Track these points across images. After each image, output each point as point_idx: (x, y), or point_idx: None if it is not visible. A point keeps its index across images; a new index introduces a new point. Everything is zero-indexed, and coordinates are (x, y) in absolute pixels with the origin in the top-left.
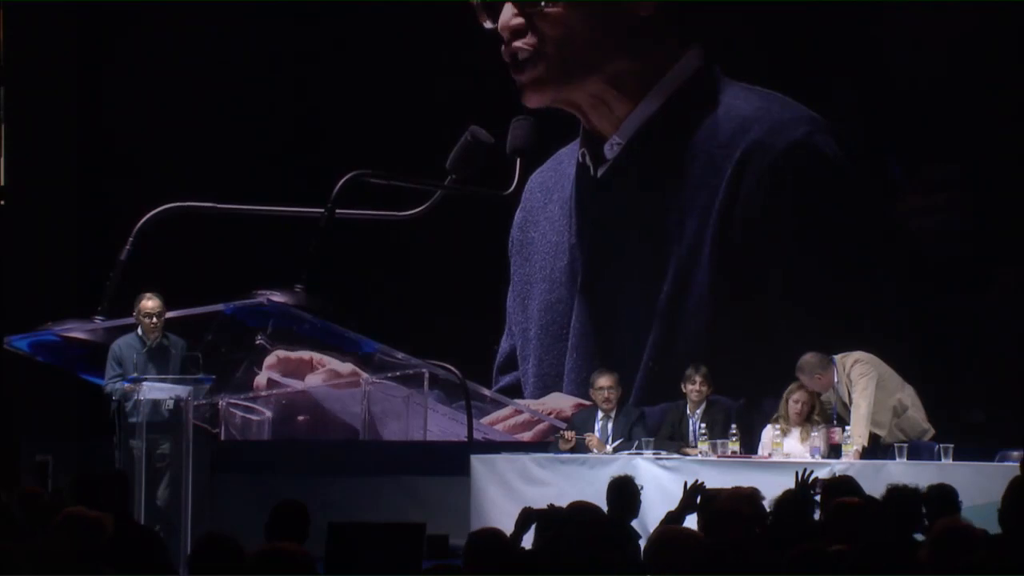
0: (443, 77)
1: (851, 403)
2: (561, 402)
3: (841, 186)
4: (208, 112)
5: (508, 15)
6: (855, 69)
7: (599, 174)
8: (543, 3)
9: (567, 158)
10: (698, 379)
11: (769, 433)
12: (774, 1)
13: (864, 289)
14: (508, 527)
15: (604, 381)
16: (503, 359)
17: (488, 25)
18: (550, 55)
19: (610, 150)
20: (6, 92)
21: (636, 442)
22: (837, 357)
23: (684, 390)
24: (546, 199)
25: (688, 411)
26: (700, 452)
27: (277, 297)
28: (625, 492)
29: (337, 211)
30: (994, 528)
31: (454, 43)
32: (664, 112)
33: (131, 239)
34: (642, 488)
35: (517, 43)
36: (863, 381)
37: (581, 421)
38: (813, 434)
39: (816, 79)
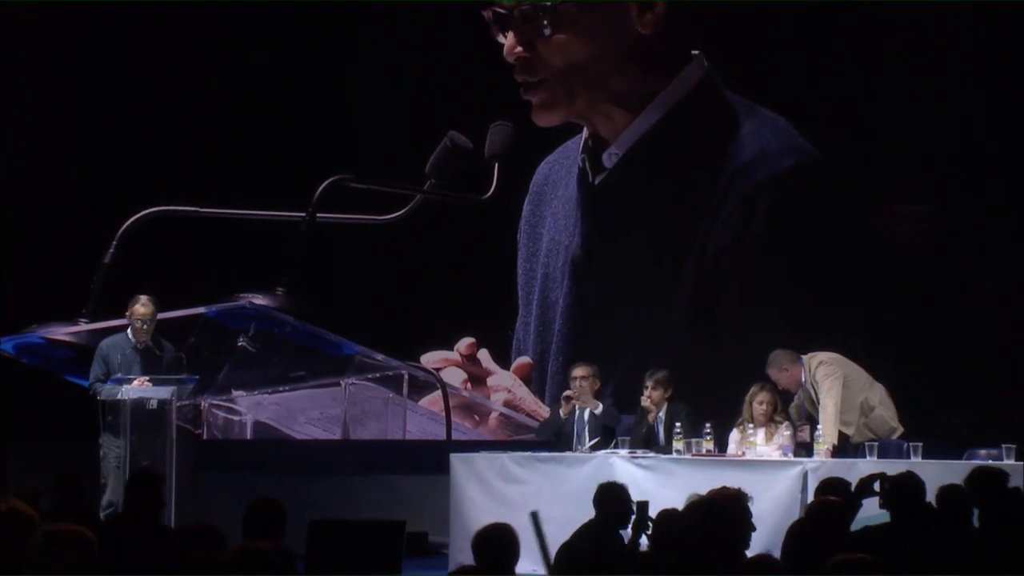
0: (424, 83)
1: (819, 403)
2: (507, 380)
3: (814, 216)
4: (193, 117)
5: (511, 43)
6: (841, 79)
7: (596, 182)
8: (545, 31)
9: (573, 152)
10: (648, 384)
11: (736, 436)
12: (763, 12)
13: (841, 301)
14: (486, 524)
15: (577, 371)
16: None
17: (501, 39)
18: (555, 81)
19: (608, 160)
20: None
21: (614, 441)
22: (805, 357)
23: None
24: (552, 194)
25: (648, 418)
26: (675, 451)
27: (259, 300)
28: (611, 499)
29: (318, 215)
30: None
31: (434, 50)
32: (662, 126)
33: (115, 242)
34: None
35: (522, 75)
36: (828, 382)
37: (563, 412)
38: (779, 433)
39: (803, 90)
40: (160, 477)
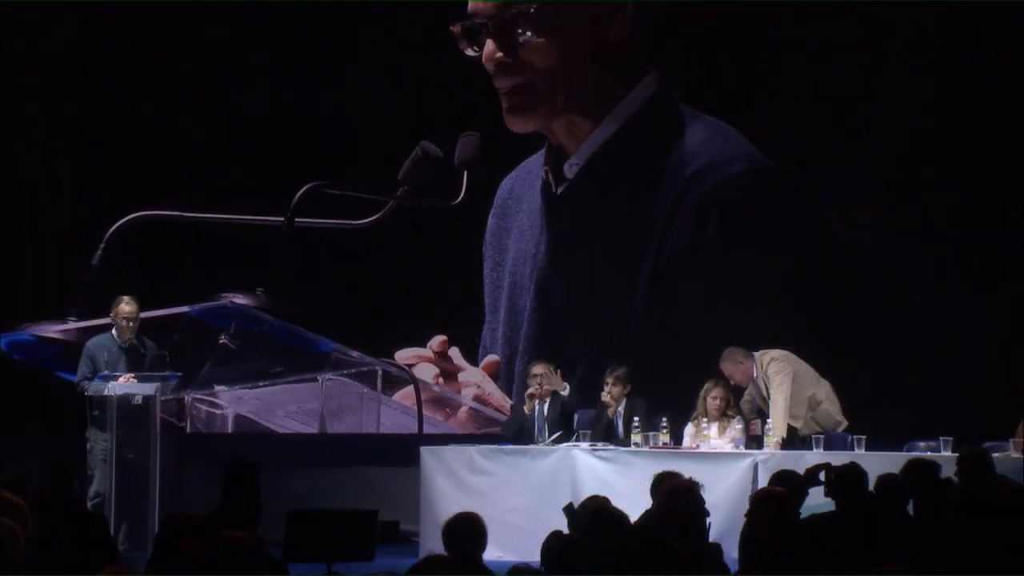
0: (423, 85)
1: (769, 398)
2: (476, 376)
3: (764, 220)
4: (192, 117)
5: (491, 48)
6: (790, 93)
7: (559, 192)
8: (525, 36)
9: (535, 167)
10: (608, 381)
11: (691, 430)
12: (719, 23)
13: (790, 302)
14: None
15: (536, 369)
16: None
17: (469, 53)
18: (536, 85)
19: (569, 170)
20: None
21: (575, 434)
22: (757, 354)
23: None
24: (516, 207)
25: (608, 413)
26: (634, 444)
27: (240, 299)
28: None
29: (297, 219)
30: None
31: (435, 51)
32: (619, 137)
33: (103, 245)
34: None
35: (501, 79)
36: (778, 378)
37: (527, 409)
38: (732, 427)
39: (755, 102)
40: (255, 466)
